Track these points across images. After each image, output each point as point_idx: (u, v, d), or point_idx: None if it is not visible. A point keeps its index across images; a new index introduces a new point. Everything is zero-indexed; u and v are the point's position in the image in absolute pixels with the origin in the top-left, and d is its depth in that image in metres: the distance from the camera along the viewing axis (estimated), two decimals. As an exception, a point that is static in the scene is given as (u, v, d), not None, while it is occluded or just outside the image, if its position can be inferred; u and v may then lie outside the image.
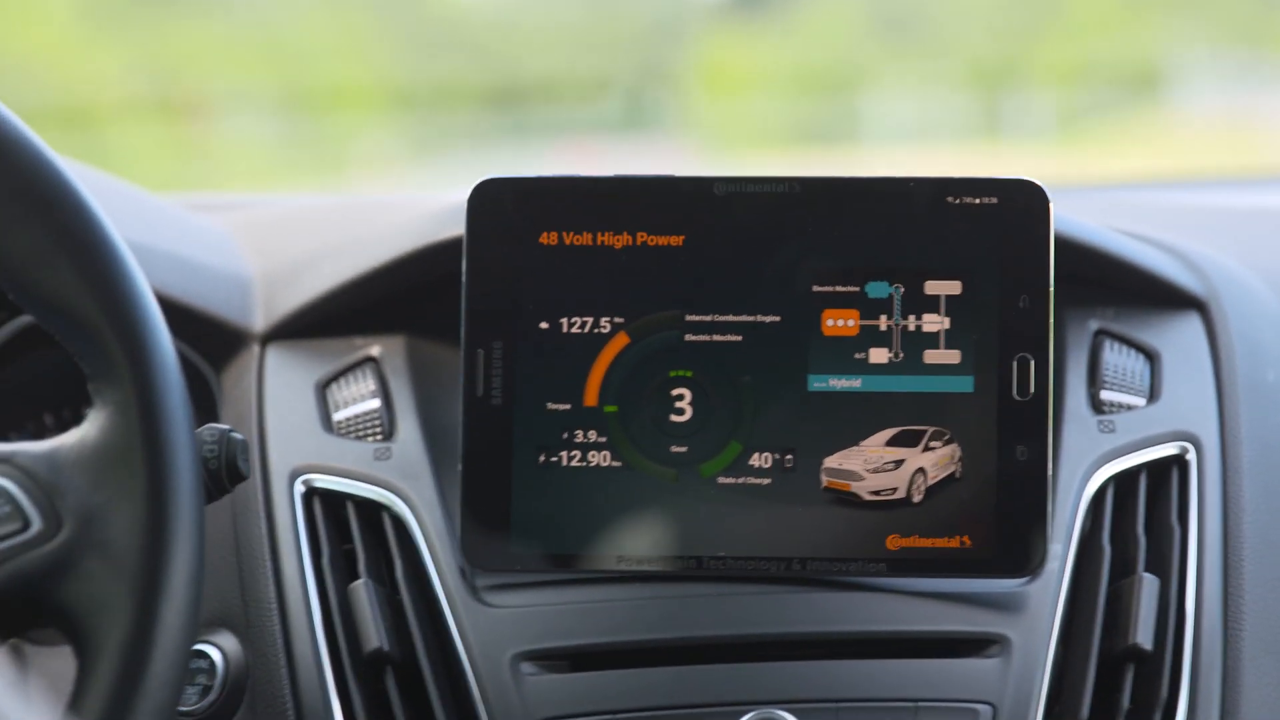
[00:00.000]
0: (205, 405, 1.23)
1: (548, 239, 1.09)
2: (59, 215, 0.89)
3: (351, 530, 1.13)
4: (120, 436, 0.87)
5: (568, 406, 1.09)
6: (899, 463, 1.07)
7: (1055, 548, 1.09)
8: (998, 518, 1.06)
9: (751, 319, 1.08)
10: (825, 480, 1.07)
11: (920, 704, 1.05)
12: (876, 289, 1.08)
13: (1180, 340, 1.21)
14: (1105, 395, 1.17)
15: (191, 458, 0.88)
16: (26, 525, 0.86)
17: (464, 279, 1.09)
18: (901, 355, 1.07)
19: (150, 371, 0.87)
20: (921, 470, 1.07)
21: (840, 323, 1.08)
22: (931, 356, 1.07)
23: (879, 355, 1.08)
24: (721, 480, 1.08)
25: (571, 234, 1.09)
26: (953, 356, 1.07)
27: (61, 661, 0.93)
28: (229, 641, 1.11)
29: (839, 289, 1.08)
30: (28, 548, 0.86)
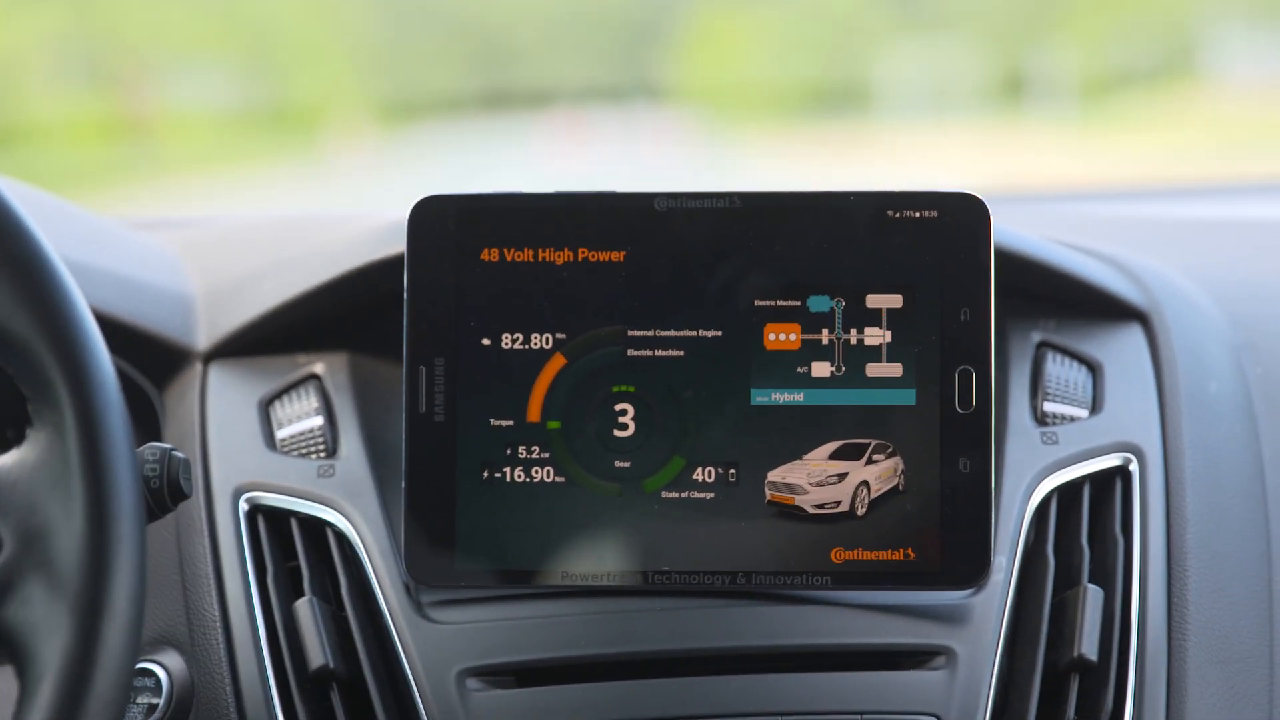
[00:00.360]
0: (148, 424, 1.30)
1: (489, 256, 1.16)
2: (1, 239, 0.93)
3: (296, 548, 1.20)
4: (59, 457, 0.91)
5: (510, 423, 1.16)
6: (842, 476, 1.14)
7: (999, 559, 1.15)
8: (942, 530, 1.13)
9: (693, 334, 1.15)
10: (769, 494, 1.14)
11: (866, 716, 1.12)
12: (818, 303, 1.15)
13: (1122, 351, 1.28)
14: (1048, 407, 1.24)
15: (132, 478, 0.92)
16: None
17: (405, 296, 1.16)
18: (843, 369, 1.15)
19: (89, 392, 0.92)
20: (865, 483, 1.14)
21: (782, 337, 1.15)
22: (873, 370, 1.15)
23: (821, 369, 1.15)
24: (665, 495, 1.15)
25: (513, 250, 1.16)
26: (894, 370, 1.15)
27: (4, 680, 1.00)
28: (174, 660, 1.17)
29: (780, 303, 1.15)
30: None
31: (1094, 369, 1.27)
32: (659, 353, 1.15)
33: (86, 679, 0.90)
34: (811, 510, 1.14)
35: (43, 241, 0.95)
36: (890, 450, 1.14)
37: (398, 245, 1.19)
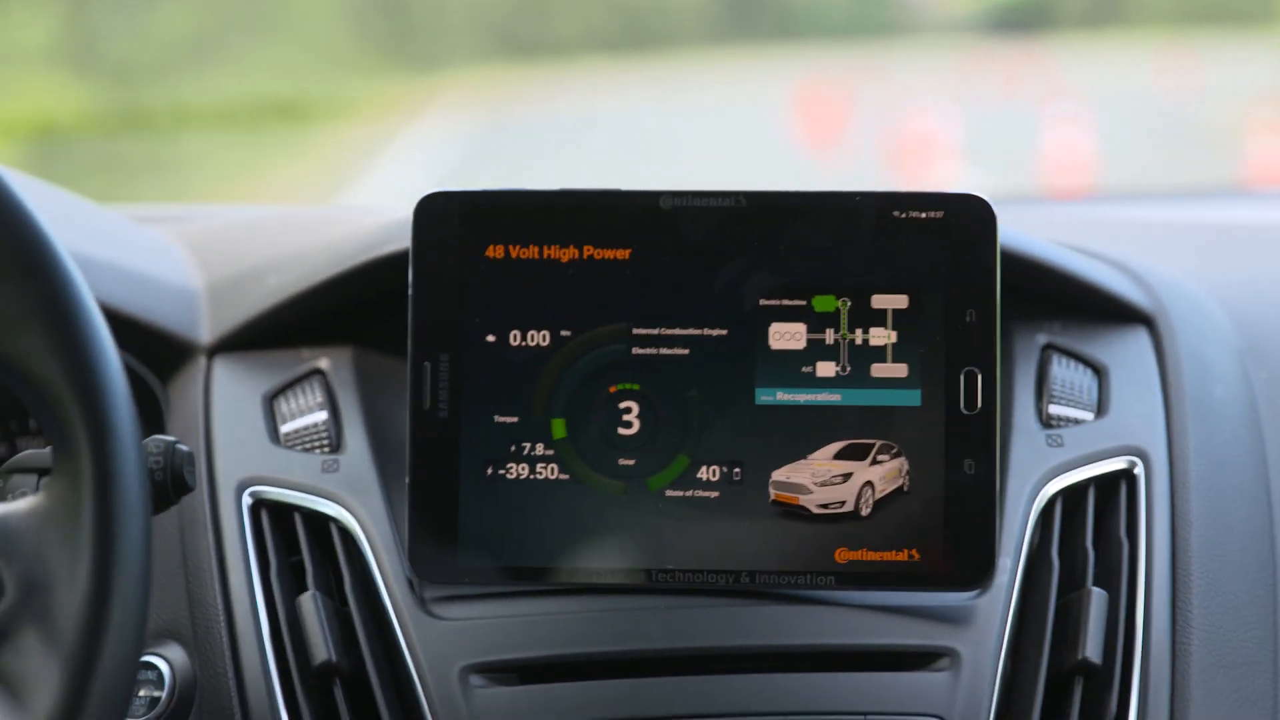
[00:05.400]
0: (152, 417, 1.34)
1: (494, 252, 1.20)
2: (38, 281, 0.94)
3: (299, 542, 1.24)
4: (72, 511, 0.93)
5: (515, 419, 1.19)
6: (847, 476, 1.18)
7: (1004, 561, 1.20)
8: (946, 531, 1.17)
9: (698, 332, 1.19)
10: (773, 493, 1.18)
11: (869, 717, 1.15)
12: (823, 303, 1.18)
13: (1128, 355, 1.32)
14: (1053, 410, 1.28)
15: (142, 541, 0.94)
16: None
17: (410, 293, 1.19)
18: (848, 369, 1.18)
19: (109, 451, 0.93)
20: (869, 484, 1.18)
21: (787, 336, 1.18)
22: (879, 370, 1.18)
23: (826, 369, 1.18)
24: (669, 493, 1.19)
25: (518, 247, 1.20)
26: (900, 370, 1.18)
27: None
28: (176, 653, 1.21)
29: (785, 303, 1.18)
30: None
31: (1099, 372, 1.31)
32: (664, 351, 1.18)
33: None
34: (816, 510, 1.18)
35: (85, 293, 0.96)
36: (895, 451, 1.17)
37: (402, 241, 1.23)
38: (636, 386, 1.20)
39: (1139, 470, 1.25)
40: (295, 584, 1.23)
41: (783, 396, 1.18)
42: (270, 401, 1.32)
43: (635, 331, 1.19)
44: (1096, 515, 1.24)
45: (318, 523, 1.25)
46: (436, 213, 1.20)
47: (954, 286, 1.18)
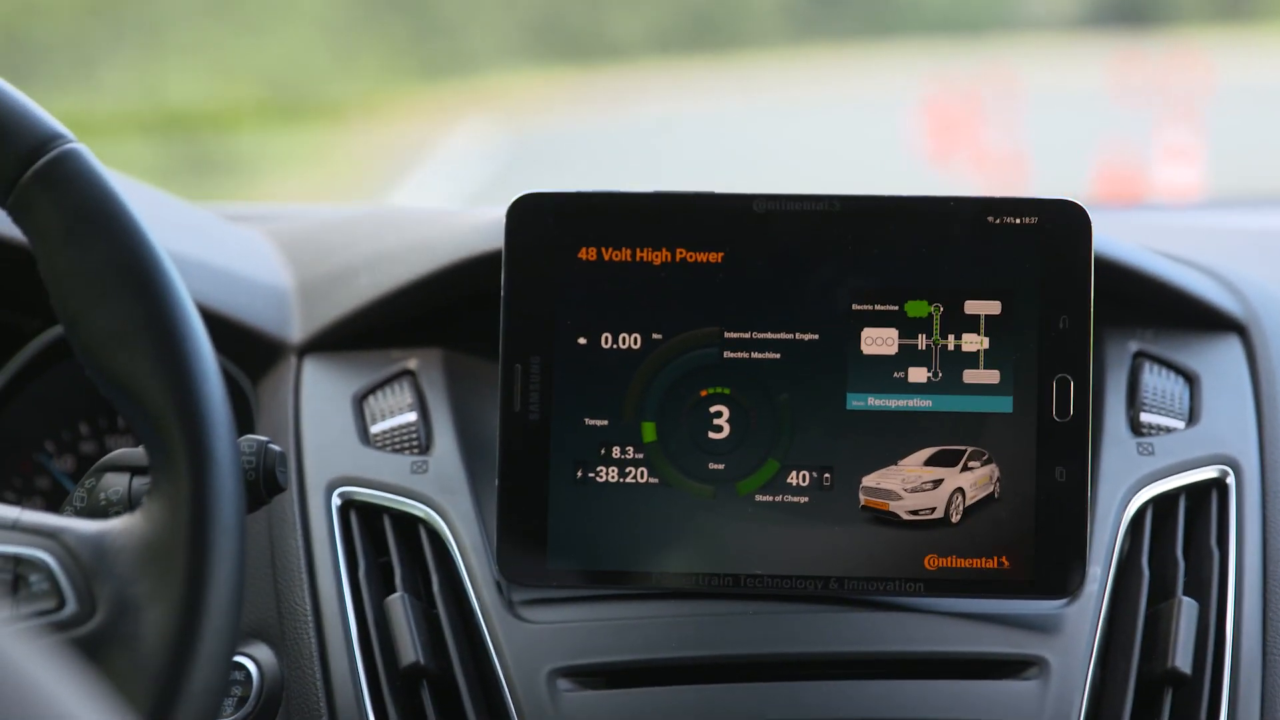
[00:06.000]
0: (242, 417, 1.34)
1: (586, 254, 1.20)
2: (144, 299, 0.94)
3: (388, 543, 1.25)
4: (168, 534, 0.92)
5: (605, 422, 1.20)
6: (937, 482, 1.18)
7: (1094, 570, 1.19)
8: (1036, 539, 1.17)
9: (790, 337, 1.19)
10: (863, 499, 1.18)
11: None
12: (916, 308, 1.18)
13: (1220, 363, 1.32)
14: (1145, 417, 1.28)
15: (235, 569, 0.93)
16: (61, 605, 0.92)
17: (503, 294, 1.20)
18: (940, 375, 1.18)
19: (209, 476, 0.93)
20: (960, 490, 1.18)
21: (879, 341, 1.19)
22: (971, 376, 1.18)
23: (918, 374, 1.18)
24: (759, 498, 1.19)
25: (610, 250, 1.20)
26: (992, 376, 1.18)
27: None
28: (264, 653, 1.22)
29: (878, 308, 1.19)
30: (57, 628, 0.92)
31: (1191, 380, 1.30)
32: (755, 355, 1.18)
33: None
34: (905, 516, 1.18)
35: (190, 312, 0.96)
36: (986, 457, 1.17)
37: (495, 242, 1.23)
38: (727, 390, 1.20)
39: (1230, 479, 1.24)
40: (383, 585, 1.23)
41: (874, 402, 1.18)
42: (360, 402, 1.33)
43: (727, 335, 1.19)
44: (1187, 524, 1.24)
45: (406, 524, 1.25)
46: (530, 213, 1.20)
47: (1047, 293, 1.17)
